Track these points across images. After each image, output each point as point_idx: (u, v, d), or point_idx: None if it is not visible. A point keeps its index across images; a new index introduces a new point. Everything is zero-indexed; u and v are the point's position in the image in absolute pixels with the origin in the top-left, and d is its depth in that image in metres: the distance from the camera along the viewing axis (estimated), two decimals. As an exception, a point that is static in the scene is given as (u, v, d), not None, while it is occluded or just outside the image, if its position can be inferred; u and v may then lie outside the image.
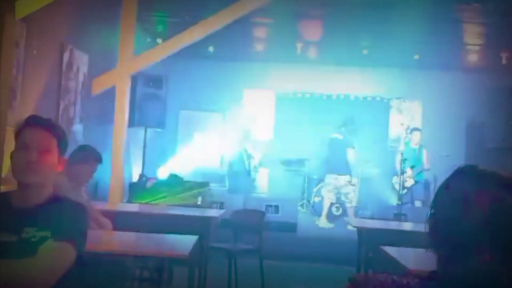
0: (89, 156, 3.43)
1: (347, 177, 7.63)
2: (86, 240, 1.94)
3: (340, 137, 7.63)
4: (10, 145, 3.42)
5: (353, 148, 7.61)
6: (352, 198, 7.70)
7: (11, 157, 1.93)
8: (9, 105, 3.48)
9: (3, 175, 3.24)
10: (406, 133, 8.93)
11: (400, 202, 6.81)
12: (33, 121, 1.93)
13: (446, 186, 1.13)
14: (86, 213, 2.02)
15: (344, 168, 7.59)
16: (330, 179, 7.75)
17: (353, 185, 7.86)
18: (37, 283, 1.72)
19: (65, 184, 3.15)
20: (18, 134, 1.93)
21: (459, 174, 1.12)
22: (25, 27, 4.14)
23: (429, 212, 1.18)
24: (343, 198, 7.76)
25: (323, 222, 7.76)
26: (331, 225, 7.67)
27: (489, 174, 1.09)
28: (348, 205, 7.74)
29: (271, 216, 6.92)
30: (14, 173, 1.89)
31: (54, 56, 4.99)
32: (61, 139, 1.95)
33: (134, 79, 6.44)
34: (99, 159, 3.48)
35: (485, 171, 1.09)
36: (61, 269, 1.78)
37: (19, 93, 4.19)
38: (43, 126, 1.91)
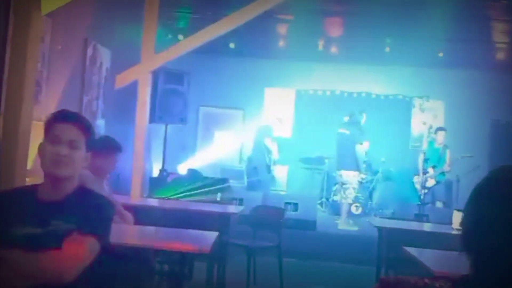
0: (110, 147, 3.44)
1: (355, 173, 7.53)
2: (110, 233, 1.96)
3: (347, 132, 7.56)
4: (35, 138, 3.48)
5: (361, 143, 7.52)
6: (349, 194, 7.56)
7: (39, 150, 1.96)
8: (35, 99, 3.53)
9: (28, 167, 3.29)
10: (429, 132, 8.81)
11: (420, 203, 6.71)
12: (63, 116, 1.96)
13: (481, 188, 1.09)
14: (111, 206, 2.04)
15: (351, 164, 7.49)
16: (339, 175, 7.69)
17: (361, 182, 7.77)
18: (62, 275, 1.75)
19: (88, 176, 3.18)
20: (47, 128, 1.95)
21: (496, 175, 1.08)
22: (50, 23, 4.20)
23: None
24: (343, 195, 7.66)
25: (342, 223, 7.65)
26: (354, 228, 7.52)
27: None
28: (343, 201, 7.63)
29: (290, 214, 6.90)
30: (43, 166, 1.92)
31: (78, 51, 5.06)
32: (89, 134, 1.98)
33: (156, 75, 6.48)
34: (119, 149, 3.49)
35: None
36: (86, 261, 1.80)
37: (44, 87, 4.25)
38: (73, 121, 1.95)
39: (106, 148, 3.38)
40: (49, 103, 4.32)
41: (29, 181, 3.18)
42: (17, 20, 3.18)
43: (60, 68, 4.58)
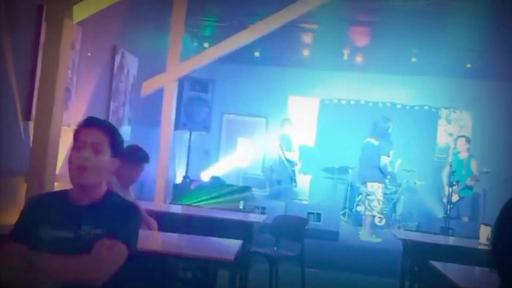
0: (138, 157, 3.49)
1: (380, 185, 7.44)
2: (138, 239, 1.97)
3: (376, 142, 7.46)
4: (64, 143, 3.55)
5: (388, 156, 7.44)
6: (374, 206, 7.45)
7: (68, 158, 1.99)
8: (64, 105, 3.61)
9: (57, 172, 3.35)
10: (455, 144, 8.66)
11: (445, 216, 6.58)
12: (88, 123, 1.99)
13: (510, 206, 1.06)
14: (139, 213, 2.05)
15: (377, 175, 7.41)
16: (364, 185, 7.60)
17: (387, 193, 7.67)
18: (90, 279, 1.77)
19: (115, 183, 3.22)
20: (74, 136, 2.00)
21: None
22: (80, 31, 4.29)
23: (493, 231, 1.11)
24: (367, 206, 7.56)
25: (365, 235, 7.55)
26: (378, 240, 7.41)
27: None
28: (367, 212, 7.52)
29: (313, 224, 6.85)
30: (70, 173, 1.95)
31: (107, 58, 5.14)
32: (114, 140, 2.00)
33: (181, 82, 6.56)
34: (146, 159, 3.54)
35: None
36: (114, 267, 1.82)
37: (74, 94, 4.34)
38: (97, 127, 1.97)
39: (134, 157, 3.42)
40: (78, 109, 4.40)
41: (58, 185, 3.24)
42: (49, 28, 3.26)
43: (89, 75, 4.67)
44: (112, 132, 2.01)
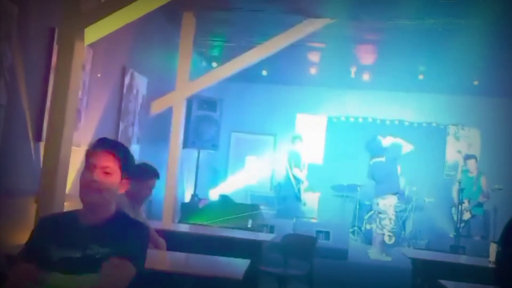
0: (147, 173, 3.51)
1: (394, 198, 7.39)
2: (146, 258, 1.99)
3: (383, 159, 7.47)
4: (74, 163, 3.59)
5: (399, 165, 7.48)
6: (385, 225, 7.38)
7: (79, 179, 2.02)
8: (75, 125, 3.66)
9: (67, 192, 3.39)
10: (464, 161, 8.61)
11: (455, 234, 6.51)
12: (99, 145, 2.03)
13: None
14: (148, 232, 2.07)
15: (393, 187, 7.38)
16: (375, 203, 7.56)
17: (396, 211, 7.62)
18: (99, 299, 1.78)
19: (125, 202, 3.24)
20: (86, 157, 2.03)
21: None
22: (91, 52, 4.37)
23: (498, 248, 1.12)
24: (378, 224, 7.50)
25: (375, 253, 7.47)
26: (388, 258, 7.33)
27: None
28: (378, 231, 7.46)
29: (321, 242, 6.81)
30: (80, 194, 1.99)
31: (116, 79, 5.22)
32: (125, 162, 2.03)
33: (189, 101, 6.62)
34: (156, 175, 3.55)
35: None
36: (122, 286, 1.84)
37: (84, 114, 4.40)
38: (108, 150, 2.00)
39: (144, 174, 3.44)
40: (87, 129, 4.46)
41: (67, 205, 3.27)
42: (61, 51, 3.33)
43: (98, 96, 4.74)
44: (123, 154, 2.03)
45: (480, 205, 7.32)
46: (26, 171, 3.58)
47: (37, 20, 3.60)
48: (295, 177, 8.09)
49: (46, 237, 1.97)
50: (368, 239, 8.34)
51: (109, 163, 1.97)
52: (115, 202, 2.05)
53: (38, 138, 3.66)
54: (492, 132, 9.10)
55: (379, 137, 7.62)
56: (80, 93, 3.85)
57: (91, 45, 3.94)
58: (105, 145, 2.02)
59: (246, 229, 5.73)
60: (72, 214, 2.04)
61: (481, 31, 5.73)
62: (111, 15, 3.32)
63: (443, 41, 6.32)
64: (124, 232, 1.96)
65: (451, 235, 6.83)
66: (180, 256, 3.54)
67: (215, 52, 7.99)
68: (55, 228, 2.00)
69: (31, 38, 3.56)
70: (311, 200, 8.81)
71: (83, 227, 1.97)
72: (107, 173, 1.96)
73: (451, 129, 9.65)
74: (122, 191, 2.04)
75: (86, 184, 1.95)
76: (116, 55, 5.10)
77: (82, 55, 3.45)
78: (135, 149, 5.78)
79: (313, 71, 8.54)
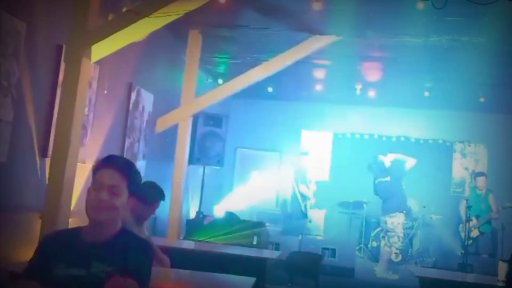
0: (153, 195, 3.49)
1: (402, 216, 7.33)
2: (150, 276, 1.97)
3: (388, 179, 7.43)
4: (79, 180, 3.59)
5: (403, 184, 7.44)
6: (393, 243, 7.30)
7: (86, 195, 2.01)
8: (80, 142, 3.67)
9: (72, 208, 3.38)
10: (471, 178, 8.55)
11: (463, 252, 6.43)
12: (106, 163, 2.01)
13: None
14: (152, 250, 2.05)
15: (400, 205, 7.33)
16: (383, 221, 7.50)
17: (406, 227, 7.54)
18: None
19: (129, 220, 3.23)
20: (93, 174, 2.02)
21: None
22: (97, 69, 4.40)
23: (508, 268, 1.10)
24: (386, 242, 7.42)
25: (381, 271, 7.38)
26: (394, 276, 7.23)
27: None
28: (386, 248, 7.37)
29: (327, 260, 6.74)
30: (86, 211, 1.97)
31: (122, 95, 5.25)
32: (132, 180, 2.01)
33: (195, 118, 6.64)
34: (162, 197, 3.54)
35: None
36: None
37: (90, 131, 4.42)
38: (115, 168, 1.98)
39: (151, 196, 3.43)
40: (93, 145, 4.47)
41: (72, 221, 3.27)
42: (68, 67, 3.36)
43: (105, 112, 4.76)
44: (130, 173, 2.02)
45: (488, 222, 7.25)
46: (32, 187, 3.58)
47: (45, 37, 3.64)
48: (301, 194, 8.06)
49: (50, 255, 1.96)
50: (374, 256, 8.25)
51: (117, 182, 1.96)
52: (121, 220, 2.04)
53: (44, 154, 3.68)
54: (499, 149, 9.04)
55: (380, 157, 7.58)
56: (86, 109, 3.87)
57: (98, 62, 3.98)
58: (113, 163, 2.01)
59: (252, 246, 5.69)
60: (76, 231, 2.03)
61: (486, 48, 5.73)
62: (118, 32, 3.35)
63: (449, 58, 6.32)
64: (129, 250, 1.94)
65: (459, 254, 6.74)
66: (185, 273, 3.51)
67: (221, 69, 8.04)
68: (59, 245, 1.98)
69: (38, 55, 3.60)
70: (317, 217, 8.76)
71: (87, 245, 1.95)
72: (114, 192, 1.95)
73: (458, 146, 9.59)
74: (128, 209, 2.03)
75: (93, 203, 1.94)
76: (123, 72, 5.14)
77: (89, 72, 3.48)
78: (141, 165, 5.78)
79: (318, 87, 8.56)
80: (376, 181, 7.53)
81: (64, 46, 3.72)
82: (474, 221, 7.07)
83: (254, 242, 5.98)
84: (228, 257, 4.56)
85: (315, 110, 9.57)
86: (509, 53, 5.97)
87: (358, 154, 9.49)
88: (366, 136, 9.83)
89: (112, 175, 1.97)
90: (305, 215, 8.12)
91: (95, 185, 1.97)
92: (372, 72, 7.76)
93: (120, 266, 1.88)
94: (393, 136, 9.67)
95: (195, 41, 6.12)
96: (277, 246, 6.68)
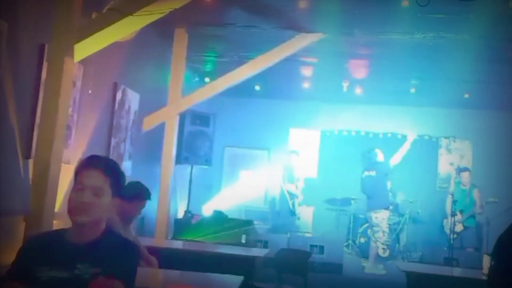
0: (139, 194, 3.48)
1: (386, 213, 7.37)
2: (135, 277, 1.95)
3: (373, 173, 7.48)
4: (63, 181, 3.55)
5: (389, 180, 7.48)
6: (379, 238, 7.34)
7: (69, 197, 1.99)
8: (64, 142, 3.63)
9: (56, 210, 3.35)
10: (456, 173, 8.64)
11: (449, 246, 6.50)
12: (89, 162, 1.99)
13: (506, 237, 1.06)
14: (138, 251, 2.04)
15: (383, 202, 7.38)
16: (369, 217, 7.54)
17: (390, 224, 7.58)
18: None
19: (115, 220, 3.21)
20: (75, 175, 1.99)
21: None
22: (81, 68, 4.36)
23: (491, 262, 1.11)
24: (372, 237, 7.47)
25: (370, 267, 7.42)
26: (382, 272, 7.26)
27: None
28: (372, 244, 7.42)
29: (316, 257, 6.77)
30: (68, 212, 1.95)
31: (108, 95, 5.20)
32: (115, 181, 1.99)
33: (182, 117, 6.61)
34: (147, 196, 3.53)
35: None
36: None
37: (74, 131, 4.37)
38: (98, 169, 1.95)
39: (135, 195, 3.41)
40: (78, 146, 4.42)
41: (57, 223, 3.23)
42: (50, 67, 3.32)
43: (89, 112, 4.71)
44: (113, 173, 1.99)
45: (472, 217, 7.35)
46: (15, 189, 3.53)
47: (27, 37, 3.59)
48: (289, 192, 8.08)
49: (33, 257, 1.93)
50: (362, 252, 8.31)
51: (99, 183, 1.93)
52: (105, 221, 2.02)
53: (27, 155, 3.63)
54: (483, 144, 9.16)
55: (376, 150, 7.61)
56: (70, 109, 3.83)
57: (82, 62, 3.93)
58: (96, 163, 1.98)
59: (240, 244, 5.68)
60: (60, 233, 2.01)
61: (470, 45, 5.79)
62: (101, 31, 3.32)
63: (434, 55, 6.37)
64: (114, 251, 1.92)
65: (445, 249, 6.81)
66: (173, 273, 3.50)
67: (208, 67, 8.01)
68: (43, 247, 1.96)
69: (20, 54, 3.55)
70: (305, 214, 8.78)
71: (72, 246, 1.93)
72: (96, 193, 1.92)
73: (443, 142, 9.69)
74: (112, 210, 2.01)
75: (76, 204, 1.92)
76: (108, 71, 5.10)
77: (72, 71, 3.44)
78: (127, 166, 5.74)
79: (306, 85, 8.57)
80: (363, 175, 7.57)
81: (46, 45, 3.67)
82: (458, 216, 7.15)
83: (243, 241, 5.97)
84: (216, 256, 4.56)
85: (302, 108, 9.58)
86: (492, 49, 6.04)
87: (345, 151, 9.53)
88: (353, 133, 9.88)
89: (94, 176, 1.94)
90: (293, 213, 8.14)
91: (77, 186, 1.94)
92: (359, 70, 7.80)
93: (105, 267, 1.86)
94: (380, 133, 9.73)
95: (181, 39, 6.10)
96: (265, 244, 6.69)
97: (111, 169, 2.00)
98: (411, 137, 7.65)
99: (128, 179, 4.10)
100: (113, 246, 1.94)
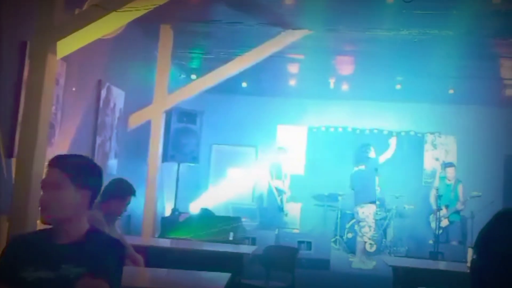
0: (123, 190, 3.45)
1: (373, 207, 7.41)
2: (121, 276, 1.93)
3: (363, 167, 7.53)
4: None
5: (378, 175, 7.54)
6: (365, 232, 7.39)
7: None
8: (48, 141, 3.58)
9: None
10: (442, 168, 8.73)
11: (435, 240, 6.58)
12: (49, 163, 2.00)
13: (487, 231, 1.08)
14: (123, 249, 2.02)
15: (370, 196, 7.42)
16: (355, 212, 7.59)
17: (377, 219, 7.64)
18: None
19: (99, 219, 3.18)
20: None
21: (500, 219, 1.06)
22: (65, 66, 4.30)
23: (472, 256, 1.12)
24: (358, 232, 7.53)
25: (357, 262, 7.47)
26: (369, 267, 7.29)
27: None
28: (359, 239, 7.48)
29: (303, 253, 6.79)
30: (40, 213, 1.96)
31: (92, 93, 5.15)
32: (77, 173, 1.95)
33: (169, 114, 6.57)
34: (131, 192, 3.49)
35: None
36: None
37: (58, 129, 4.32)
38: (57, 166, 1.95)
39: (118, 191, 3.38)
40: (62, 144, 4.37)
41: (40, 223, 3.18)
42: (33, 64, 3.26)
43: (73, 110, 4.66)
44: (73, 166, 1.97)
45: (457, 212, 7.42)
46: (-2, 188, 3.48)
47: (8, 34, 3.53)
48: (276, 188, 8.09)
49: (18, 257, 1.91)
50: (350, 248, 8.36)
51: (55, 178, 1.92)
52: (86, 219, 1.99)
53: (10, 154, 3.57)
54: (468, 139, 9.27)
55: (371, 147, 7.66)
56: (53, 107, 3.78)
57: (65, 59, 3.88)
58: (54, 162, 1.98)
59: (228, 242, 5.67)
60: (45, 233, 1.98)
61: (454, 41, 5.84)
62: (84, 28, 3.27)
63: (419, 51, 6.42)
64: (98, 250, 1.90)
65: (430, 242, 6.89)
66: (160, 272, 3.49)
67: (194, 64, 7.98)
68: (27, 247, 1.94)
69: (2, 52, 3.49)
70: (293, 210, 8.81)
71: (56, 246, 1.91)
72: (56, 189, 1.91)
73: (429, 137, 9.78)
74: (83, 201, 1.96)
75: (40, 204, 1.93)
76: (92, 69, 5.04)
77: (55, 68, 3.39)
78: (113, 164, 5.69)
79: (292, 82, 8.58)
80: (353, 171, 7.63)
81: (28, 42, 3.62)
82: (444, 211, 7.23)
83: (230, 238, 5.96)
84: (204, 254, 4.54)
85: (289, 105, 9.60)
86: (476, 45, 6.11)
87: (332, 147, 9.58)
88: (340, 130, 9.92)
89: (53, 173, 1.94)
90: (281, 209, 8.16)
91: (41, 185, 1.96)
92: (345, 66, 7.83)
93: (90, 267, 1.84)
94: (366, 129, 9.79)
95: (166, 36, 6.05)
96: (253, 241, 6.69)
97: (70, 165, 1.97)
98: (394, 143, 7.71)
99: (114, 178, 4.07)
100: (98, 245, 1.92)
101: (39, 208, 1.94)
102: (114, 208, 3.39)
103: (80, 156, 2.09)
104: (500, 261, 1.02)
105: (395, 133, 9.69)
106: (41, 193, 1.95)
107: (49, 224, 1.94)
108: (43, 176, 2.03)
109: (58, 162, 1.98)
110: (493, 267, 1.03)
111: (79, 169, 1.99)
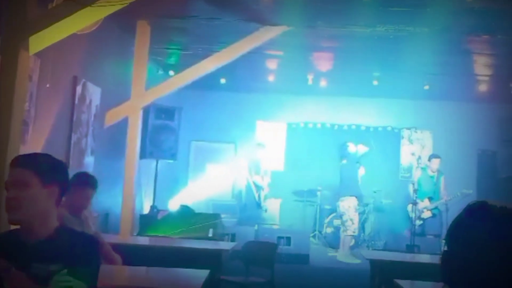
0: (80, 180, 3.39)
1: (354, 200, 7.48)
2: (98, 274, 1.91)
3: (345, 162, 7.64)
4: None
5: (362, 167, 7.65)
6: (348, 226, 7.45)
7: None
8: (22, 139, 3.51)
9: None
10: (418, 163, 8.86)
11: (411, 233, 6.70)
12: (12, 163, 1.96)
13: (458, 223, 1.11)
14: (96, 244, 1.99)
15: (353, 190, 7.50)
16: (337, 205, 7.66)
17: (359, 212, 7.73)
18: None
19: (65, 215, 3.13)
20: None
21: (471, 211, 1.09)
22: (38, 62, 4.22)
23: (443, 248, 1.15)
24: (341, 225, 7.60)
25: (343, 255, 7.51)
26: (357, 261, 7.25)
27: (500, 209, 1.06)
28: (343, 233, 7.55)
29: (283, 248, 6.82)
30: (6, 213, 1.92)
31: (67, 89, 5.07)
32: (41, 169, 1.91)
33: (146, 111, 6.51)
34: (90, 183, 3.43)
35: (495, 207, 1.06)
36: None
37: (32, 127, 4.24)
38: (20, 165, 1.92)
39: (77, 181, 3.32)
40: (36, 142, 4.29)
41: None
42: (4, 60, 3.19)
43: (48, 107, 4.58)
44: (37, 163, 1.93)
45: (443, 205, 7.49)
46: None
47: (-21, 30, 3.44)
48: (255, 184, 8.10)
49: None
50: (329, 242, 8.44)
51: (21, 177, 1.89)
52: (55, 216, 1.95)
53: (-18, 152, 3.49)
54: (443, 134, 9.44)
55: (348, 143, 7.76)
56: (27, 104, 3.71)
57: (39, 55, 3.81)
58: (17, 162, 1.95)
59: (207, 238, 5.67)
60: (14, 233, 1.95)
61: (430, 38, 5.93)
62: (58, 23, 3.21)
63: (395, 48, 6.50)
64: (70, 246, 1.87)
65: (404, 233, 7.00)
66: (139, 270, 3.46)
67: (172, 60, 7.91)
68: (-1, 248, 1.90)
69: (-28, 48, 3.40)
70: (272, 206, 8.83)
71: (26, 245, 1.88)
72: (20, 187, 1.88)
73: (405, 132, 9.93)
74: (51, 198, 1.92)
75: (5, 204, 1.89)
76: (67, 65, 4.96)
77: (27, 64, 3.33)
78: (89, 161, 5.62)
79: (271, 78, 8.59)
80: (342, 162, 7.74)
81: None
82: (426, 203, 7.29)
83: (210, 235, 5.95)
84: (183, 251, 4.53)
85: (268, 101, 9.61)
86: (451, 42, 6.21)
87: (311, 143, 9.64)
88: (318, 126, 9.99)
89: (17, 172, 1.91)
90: (260, 205, 8.17)
91: (5, 186, 1.92)
92: (323, 62, 7.87)
93: (61, 263, 1.81)
94: (344, 124, 9.88)
95: (143, 32, 5.99)
96: (233, 237, 6.69)
97: (34, 162, 1.94)
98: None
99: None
100: (68, 242, 1.89)
101: (6, 208, 1.89)
102: (75, 201, 3.33)
103: (43, 154, 2.07)
104: (468, 248, 1.04)
105: (372, 128, 9.84)
106: (6, 193, 1.90)
107: (17, 224, 1.90)
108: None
109: (22, 161, 1.95)
110: (462, 255, 1.05)
111: (44, 166, 1.95)
